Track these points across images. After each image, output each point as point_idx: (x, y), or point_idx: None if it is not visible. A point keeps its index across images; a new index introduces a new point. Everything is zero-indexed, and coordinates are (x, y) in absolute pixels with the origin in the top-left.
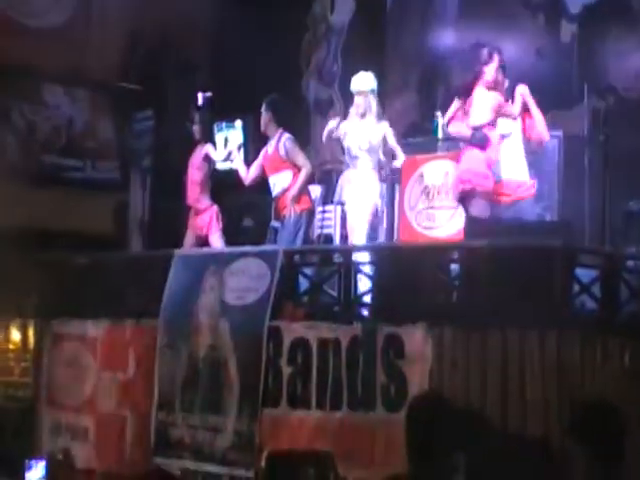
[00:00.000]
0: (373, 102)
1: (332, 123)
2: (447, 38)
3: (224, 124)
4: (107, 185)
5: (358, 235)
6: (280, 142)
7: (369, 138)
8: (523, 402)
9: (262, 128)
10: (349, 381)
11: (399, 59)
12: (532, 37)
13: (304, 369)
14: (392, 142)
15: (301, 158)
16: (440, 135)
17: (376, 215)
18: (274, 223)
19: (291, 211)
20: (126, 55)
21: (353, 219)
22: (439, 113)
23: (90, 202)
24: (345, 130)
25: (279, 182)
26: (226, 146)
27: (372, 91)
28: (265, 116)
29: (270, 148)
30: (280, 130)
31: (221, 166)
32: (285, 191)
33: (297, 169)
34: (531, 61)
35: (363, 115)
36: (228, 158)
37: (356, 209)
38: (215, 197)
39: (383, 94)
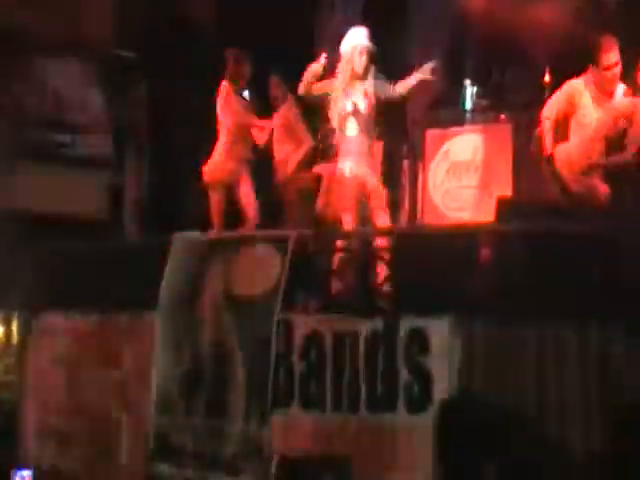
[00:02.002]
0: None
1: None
2: (478, 3)
3: None
4: (99, 163)
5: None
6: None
7: (369, 101)
8: (561, 403)
9: (271, 92)
10: (368, 380)
11: (424, 22)
12: None
13: (318, 366)
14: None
15: (302, 132)
16: (469, 106)
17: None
18: None
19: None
20: (119, 19)
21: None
22: (468, 82)
23: (80, 182)
24: (340, 92)
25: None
26: None
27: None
28: (274, 80)
29: (277, 115)
30: (290, 96)
31: None
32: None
33: (297, 144)
34: None
35: (363, 76)
36: None
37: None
38: None
39: (406, 61)
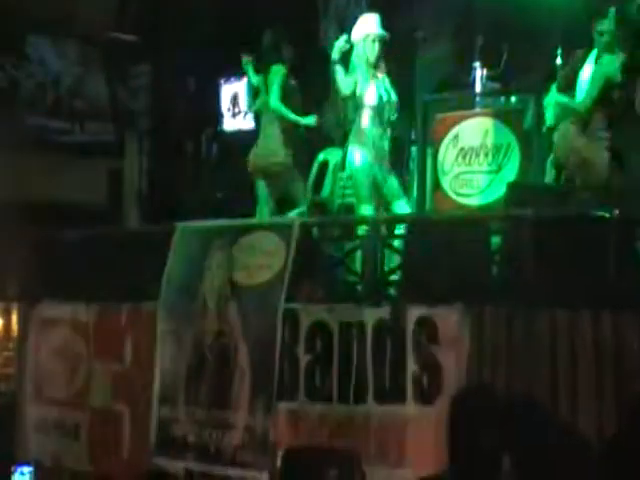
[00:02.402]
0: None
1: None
2: None
3: (232, 78)
4: (99, 150)
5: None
6: None
7: (384, 91)
8: (574, 393)
9: None
10: (375, 370)
11: (432, 4)
12: None
13: (324, 357)
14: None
15: None
16: (479, 89)
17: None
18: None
19: None
20: (120, 1)
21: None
22: (478, 64)
23: (80, 169)
24: (355, 83)
25: None
26: (235, 103)
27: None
28: None
29: None
30: None
31: (229, 125)
32: None
33: None
34: None
35: (377, 65)
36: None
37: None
38: (222, 162)
39: (413, 44)
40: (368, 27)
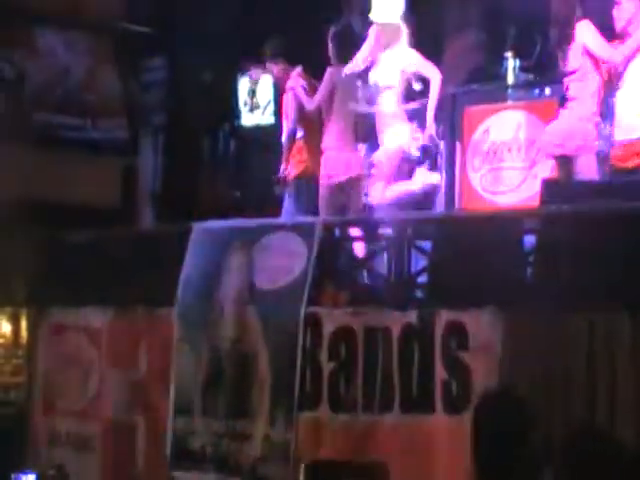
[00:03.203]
0: (403, 28)
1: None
2: None
3: (250, 70)
4: (112, 147)
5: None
6: None
7: (398, 70)
8: (614, 400)
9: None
10: (402, 378)
11: None
12: None
13: (348, 364)
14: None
15: None
16: (511, 81)
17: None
18: None
19: None
20: None
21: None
22: (510, 54)
23: (92, 168)
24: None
25: None
26: (253, 98)
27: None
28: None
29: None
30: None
31: (247, 120)
32: None
33: None
34: None
35: (388, 45)
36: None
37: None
38: (241, 158)
39: (440, 33)
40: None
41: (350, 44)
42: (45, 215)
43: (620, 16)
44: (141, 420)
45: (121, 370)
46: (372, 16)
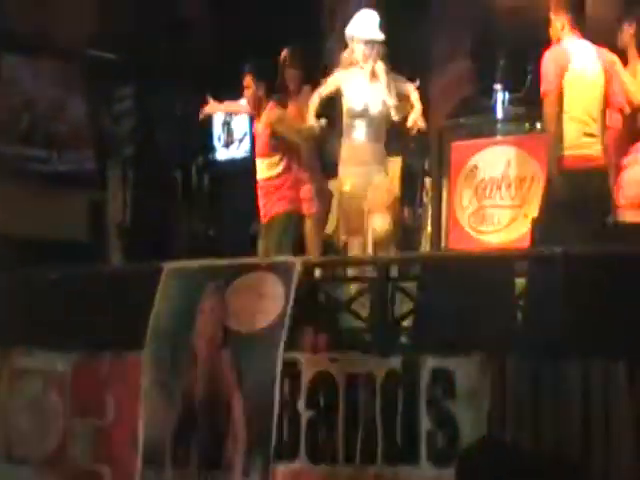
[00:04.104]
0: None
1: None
2: None
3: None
4: (79, 180)
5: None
6: None
7: (382, 99)
8: (607, 453)
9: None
10: (386, 428)
11: (448, 17)
12: None
13: (328, 412)
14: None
15: None
16: (500, 114)
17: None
18: None
19: None
20: (103, 14)
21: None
22: (499, 86)
23: (57, 201)
24: (345, 86)
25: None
26: (228, 131)
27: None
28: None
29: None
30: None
31: (222, 154)
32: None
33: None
34: None
35: (372, 73)
36: (229, 145)
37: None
38: (215, 194)
39: (428, 63)
40: (359, 25)
41: (319, 66)
42: (7, 251)
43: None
44: (107, 471)
45: (86, 417)
46: (350, 33)
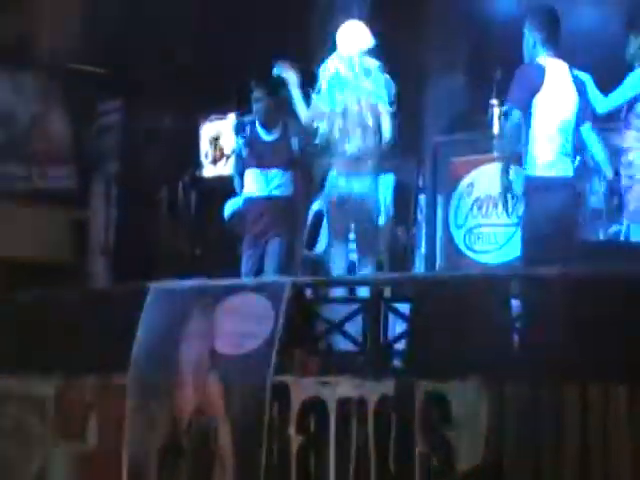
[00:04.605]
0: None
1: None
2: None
3: (214, 117)
4: (61, 198)
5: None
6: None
7: (371, 111)
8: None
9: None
10: (378, 454)
11: (442, 29)
12: None
13: (319, 438)
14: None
15: None
16: (497, 130)
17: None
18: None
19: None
20: (87, 28)
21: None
22: (496, 101)
23: (38, 220)
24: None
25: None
26: (215, 147)
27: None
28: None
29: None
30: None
31: (209, 171)
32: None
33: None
34: None
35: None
36: (217, 161)
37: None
38: (202, 212)
39: (422, 76)
40: (348, 34)
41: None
42: None
43: None
44: None
45: (68, 444)
46: (340, 50)
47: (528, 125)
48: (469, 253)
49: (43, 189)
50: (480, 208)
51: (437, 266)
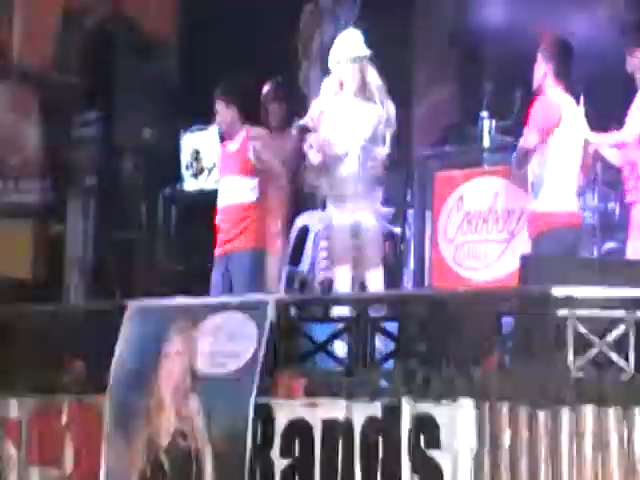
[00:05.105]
0: (373, 72)
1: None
2: (497, 12)
3: (195, 128)
4: (35, 212)
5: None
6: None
7: (370, 126)
8: None
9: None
10: (365, 478)
11: (431, 41)
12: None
13: (304, 462)
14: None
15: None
16: (487, 143)
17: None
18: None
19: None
20: (63, 35)
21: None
22: (485, 113)
23: (11, 235)
24: (328, 115)
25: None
26: (197, 160)
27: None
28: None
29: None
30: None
31: (191, 185)
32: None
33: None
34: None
35: (360, 91)
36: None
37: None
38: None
39: (410, 88)
40: (344, 47)
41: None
42: None
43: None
44: None
45: (43, 468)
46: (335, 56)
47: (542, 162)
48: (459, 270)
49: (17, 203)
50: (470, 223)
51: (426, 283)
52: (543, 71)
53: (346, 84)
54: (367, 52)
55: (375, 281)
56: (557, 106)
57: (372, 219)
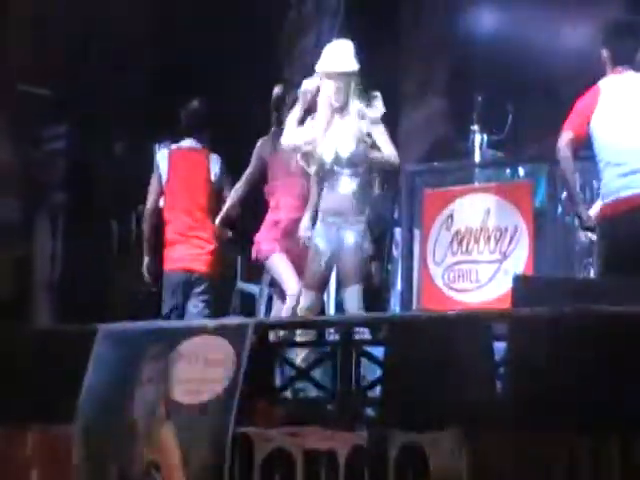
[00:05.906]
0: (357, 87)
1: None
2: (488, 19)
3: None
4: (2, 232)
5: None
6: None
7: (355, 142)
8: None
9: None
10: None
11: (419, 50)
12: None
13: None
14: (382, 142)
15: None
16: (478, 158)
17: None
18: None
19: None
20: (33, 46)
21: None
22: (476, 127)
23: None
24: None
25: None
26: None
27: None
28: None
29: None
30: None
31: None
32: None
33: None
34: None
35: (343, 109)
36: None
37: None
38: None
39: (397, 100)
40: (331, 59)
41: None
42: None
43: None
44: None
45: None
46: (322, 68)
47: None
48: (449, 292)
49: None
50: (460, 243)
51: (414, 306)
52: (604, 58)
53: (333, 100)
54: (355, 68)
55: (352, 298)
56: (596, 91)
57: (354, 236)
